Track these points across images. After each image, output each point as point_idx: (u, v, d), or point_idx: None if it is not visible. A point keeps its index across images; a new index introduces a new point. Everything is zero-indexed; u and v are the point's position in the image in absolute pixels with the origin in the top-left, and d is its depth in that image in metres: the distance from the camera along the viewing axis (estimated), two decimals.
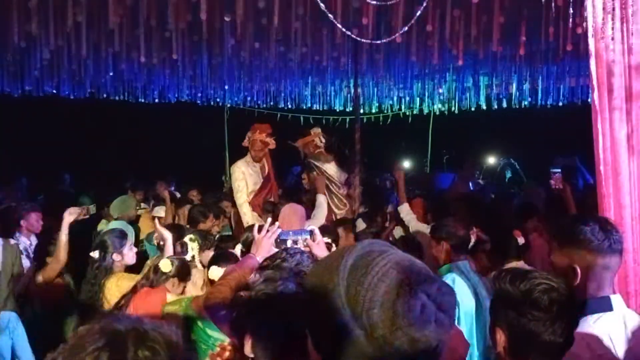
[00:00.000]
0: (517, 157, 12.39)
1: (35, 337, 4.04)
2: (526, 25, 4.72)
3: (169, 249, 3.60)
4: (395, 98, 11.17)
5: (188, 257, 3.52)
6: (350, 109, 11.01)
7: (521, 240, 3.47)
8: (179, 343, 0.96)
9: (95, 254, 3.61)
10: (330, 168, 5.95)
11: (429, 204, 5.28)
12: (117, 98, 9.27)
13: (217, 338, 2.42)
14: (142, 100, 9.58)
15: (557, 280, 1.56)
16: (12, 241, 4.37)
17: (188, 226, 5.31)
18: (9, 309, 4.03)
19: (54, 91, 8.46)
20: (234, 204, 5.93)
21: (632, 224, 2.54)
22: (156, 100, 9.71)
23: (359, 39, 3.99)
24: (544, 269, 1.90)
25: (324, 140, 5.98)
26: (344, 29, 3.47)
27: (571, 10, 3.26)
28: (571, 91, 9.35)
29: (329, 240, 3.25)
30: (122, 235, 3.74)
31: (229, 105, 11.44)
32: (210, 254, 3.58)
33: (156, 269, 3.15)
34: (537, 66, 7.74)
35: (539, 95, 9.63)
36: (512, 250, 3.38)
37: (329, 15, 3.26)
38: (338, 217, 5.65)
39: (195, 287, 3.35)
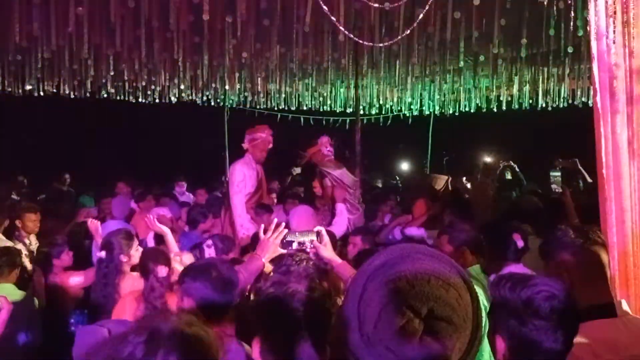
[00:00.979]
0: (517, 159, 12.37)
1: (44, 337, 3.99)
2: (527, 27, 4.72)
3: (172, 245, 3.64)
4: (395, 99, 11.16)
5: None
6: (350, 109, 11.01)
7: (520, 244, 3.46)
8: (212, 344, 1.04)
9: (102, 254, 3.59)
10: (341, 174, 6.00)
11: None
12: (117, 98, 9.28)
13: None
14: (143, 101, 9.58)
15: (558, 286, 1.55)
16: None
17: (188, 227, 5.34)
18: None
19: (55, 90, 8.45)
20: (227, 205, 5.86)
21: (632, 227, 2.54)
22: (156, 100, 9.72)
23: (360, 41, 3.98)
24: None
25: (330, 149, 6.05)
26: (346, 32, 3.47)
27: (572, 14, 3.26)
28: (572, 94, 9.35)
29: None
30: (129, 236, 3.72)
31: (229, 106, 11.45)
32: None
33: None
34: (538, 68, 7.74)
35: (539, 96, 9.63)
36: (510, 253, 3.38)
37: (332, 18, 3.26)
38: (351, 222, 5.66)
39: None
